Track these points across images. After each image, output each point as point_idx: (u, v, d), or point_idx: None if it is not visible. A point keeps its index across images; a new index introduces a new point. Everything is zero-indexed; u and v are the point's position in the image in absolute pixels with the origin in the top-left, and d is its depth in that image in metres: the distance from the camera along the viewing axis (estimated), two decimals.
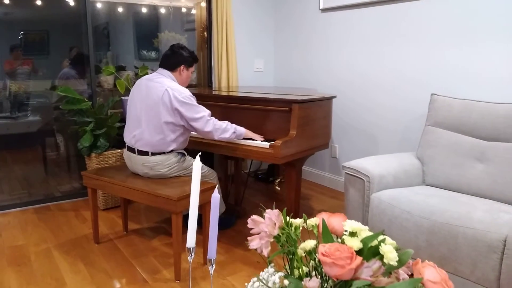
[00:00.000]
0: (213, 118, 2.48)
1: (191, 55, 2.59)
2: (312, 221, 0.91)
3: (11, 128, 3.63)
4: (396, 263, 0.75)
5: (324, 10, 3.68)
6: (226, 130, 2.49)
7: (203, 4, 4.02)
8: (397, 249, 0.79)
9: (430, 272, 0.80)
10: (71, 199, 3.53)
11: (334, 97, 2.87)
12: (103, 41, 3.97)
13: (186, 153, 2.58)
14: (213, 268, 1.13)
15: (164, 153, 2.45)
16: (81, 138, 3.07)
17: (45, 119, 3.76)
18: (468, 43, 2.67)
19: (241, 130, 2.56)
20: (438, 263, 2.10)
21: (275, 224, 0.80)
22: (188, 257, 1.10)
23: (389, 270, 0.81)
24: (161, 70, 2.54)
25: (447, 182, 2.47)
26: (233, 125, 2.54)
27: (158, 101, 2.38)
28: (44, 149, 3.83)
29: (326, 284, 0.83)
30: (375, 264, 0.73)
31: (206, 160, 2.96)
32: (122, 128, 2.79)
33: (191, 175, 1.17)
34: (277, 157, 2.39)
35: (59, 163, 3.90)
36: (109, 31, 4.04)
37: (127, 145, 2.55)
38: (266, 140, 2.53)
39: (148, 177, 2.50)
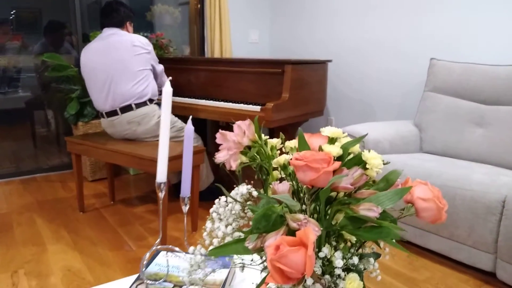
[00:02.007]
0: None
1: (131, 11, 2.58)
2: (291, 143, 0.82)
3: (0, 103, 3.54)
4: (380, 171, 0.65)
5: None
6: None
7: None
8: (383, 163, 0.70)
9: (420, 189, 0.70)
10: (58, 171, 3.43)
11: (330, 61, 2.76)
12: (96, 18, 3.84)
13: None
14: (187, 207, 1.04)
15: (146, 103, 2.40)
16: (68, 106, 2.97)
17: (35, 94, 3.66)
18: (467, 5, 2.55)
19: None
20: (434, 227, 2.02)
21: (245, 133, 0.71)
22: (159, 194, 1.01)
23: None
24: (108, 29, 2.43)
25: (445, 148, 2.38)
26: None
27: (129, 51, 2.34)
28: (33, 124, 3.73)
29: (304, 207, 0.74)
30: (356, 171, 0.63)
31: (198, 130, 2.86)
32: None
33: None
34: (268, 121, 2.29)
35: (48, 137, 3.80)
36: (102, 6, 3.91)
37: (104, 113, 2.42)
38: (257, 104, 2.43)
39: (135, 138, 2.43)
